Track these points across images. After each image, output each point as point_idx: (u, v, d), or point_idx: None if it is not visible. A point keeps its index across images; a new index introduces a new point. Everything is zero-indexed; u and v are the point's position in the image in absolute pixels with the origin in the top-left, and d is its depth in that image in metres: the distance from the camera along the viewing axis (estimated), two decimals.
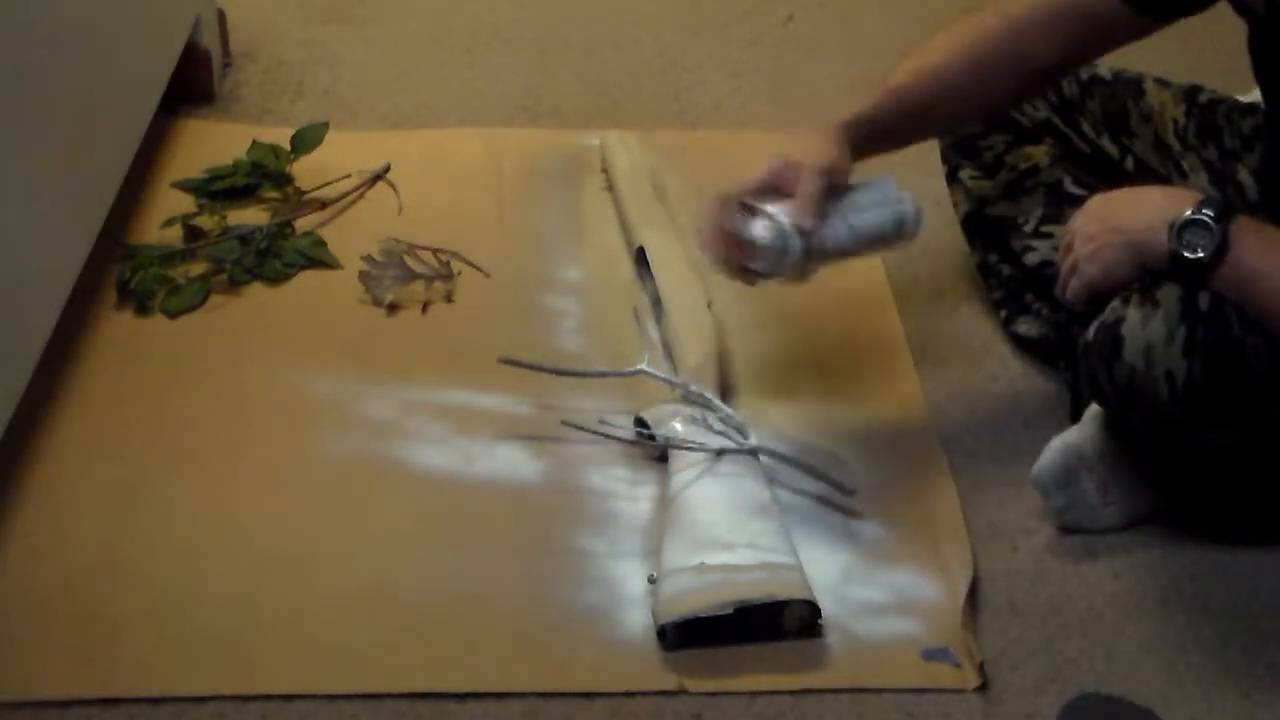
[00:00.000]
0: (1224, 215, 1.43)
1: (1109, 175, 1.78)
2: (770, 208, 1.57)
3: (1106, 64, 1.82)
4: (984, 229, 1.87)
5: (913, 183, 2.13)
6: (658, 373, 1.75)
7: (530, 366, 1.76)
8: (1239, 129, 1.72)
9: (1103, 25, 1.62)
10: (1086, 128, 1.81)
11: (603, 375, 1.77)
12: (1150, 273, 1.48)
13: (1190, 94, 1.78)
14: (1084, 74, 1.81)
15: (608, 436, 1.69)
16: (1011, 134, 1.84)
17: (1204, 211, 1.43)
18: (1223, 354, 1.44)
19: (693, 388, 1.71)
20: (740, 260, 1.60)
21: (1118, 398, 1.51)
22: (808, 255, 1.58)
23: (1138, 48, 1.67)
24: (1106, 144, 1.80)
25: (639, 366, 1.75)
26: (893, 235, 1.64)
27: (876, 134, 1.63)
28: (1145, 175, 1.76)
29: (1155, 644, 1.52)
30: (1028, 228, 1.82)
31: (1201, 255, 1.43)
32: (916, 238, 1.69)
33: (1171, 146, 1.76)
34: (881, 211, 1.62)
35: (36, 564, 1.53)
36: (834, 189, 1.60)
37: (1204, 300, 1.45)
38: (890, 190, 1.63)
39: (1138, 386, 1.48)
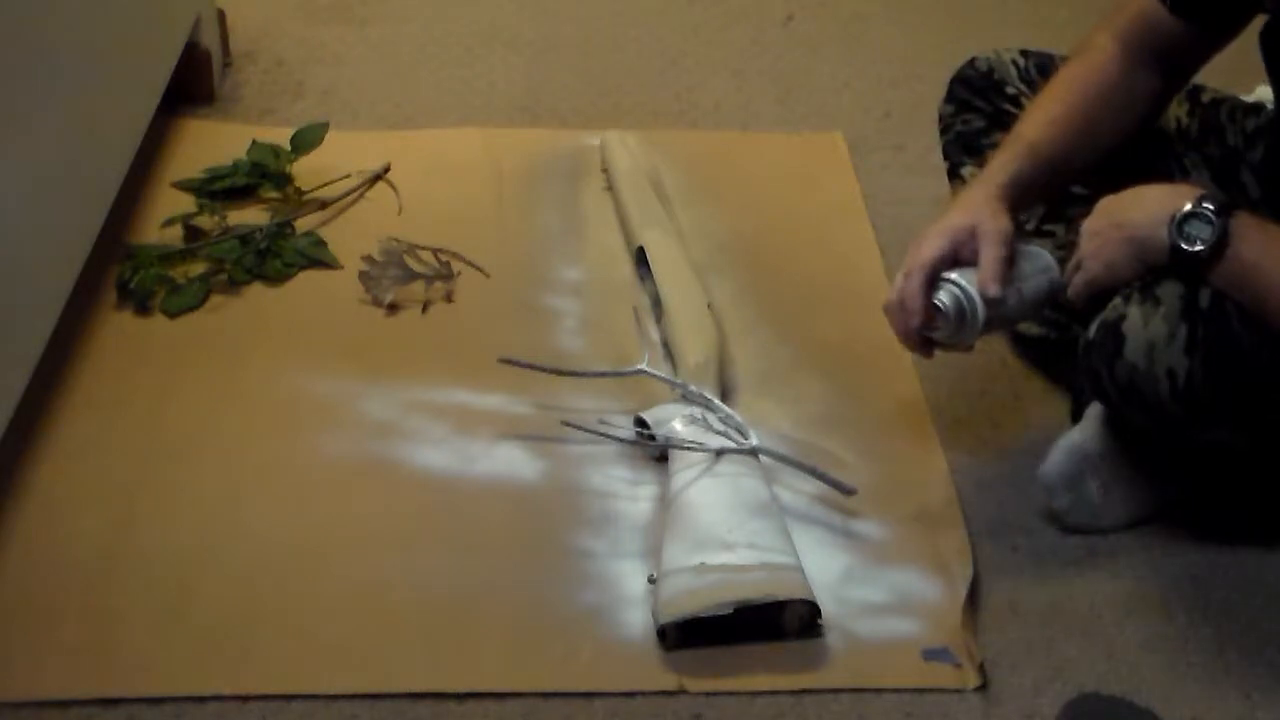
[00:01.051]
0: (1224, 210, 1.43)
1: (1110, 174, 1.78)
2: (954, 275, 1.55)
3: None
4: None
5: (914, 182, 2.15)
6: (658, 373, 1.75)
7: (530, 366, 1.76)
8: (1242, 128, 1.72)
9: (1177, 44, 1.63)
10: None
11: (602, 375, 1.77)
12: (1152, 269, 1.48)
13: (1193, 93, 1.77)
14: None
15: (608, 436, 1.69)
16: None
17: (1204, 206, 1.44)
18: (1223, 352, 1.44)
19: (692, 388, 1.71)
20: (923, 329, 1.57)
21: (1119, 396, 1.51)
22: (988, 323, 1.56)
23: None
24: None
25: (639, 366, 1.75)
26: (1047, 300, 1.63)
27: (1027, 192, 1.62)
28: (1147, 174, 1.76)
29: (1155, 644, 1.52)
30: (1029, 226, 1.82)
31: (1201, 249, 1.43)
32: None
33: (1174, 144, 1.76)
34: (1042, 279, 1.61)
35: (36, 564, 1.53)
36: None
37: (1205, 298, 1.45)
38: (1043, 257, 1.62)
39: (1139, 384, 1.48)
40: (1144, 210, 1.49)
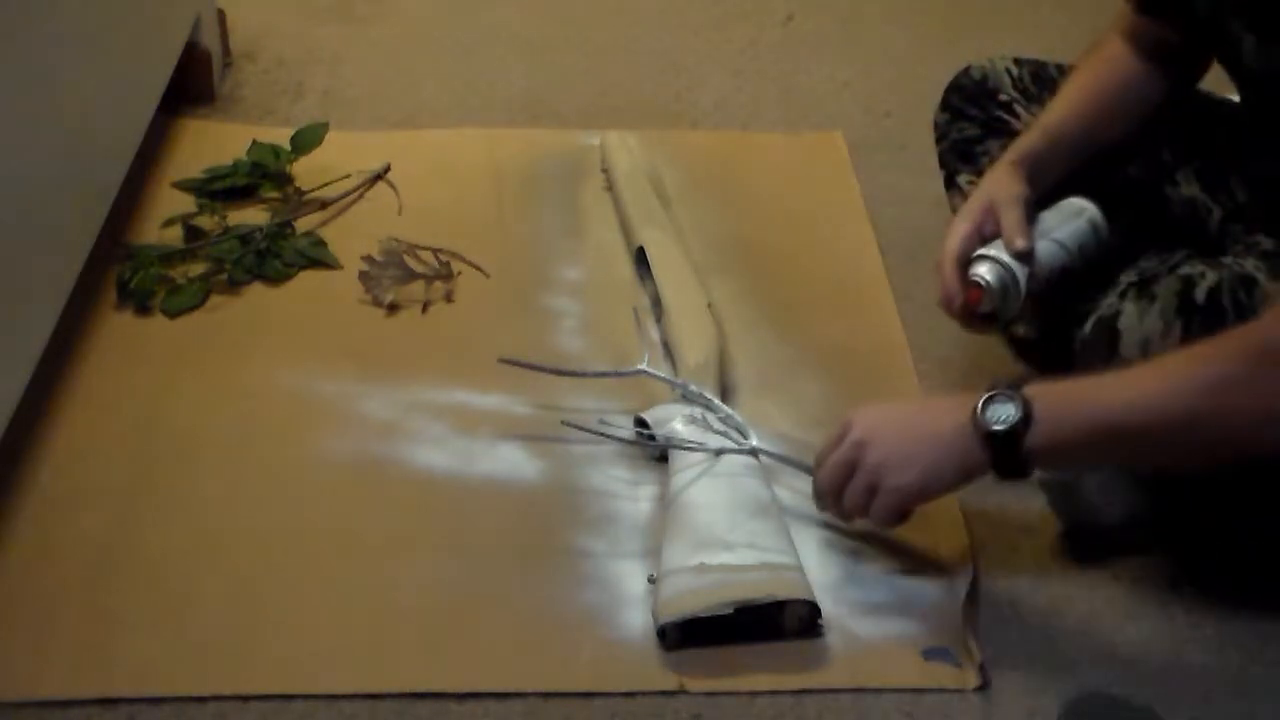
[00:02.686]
0: (1015, 385, 1.42)
1: (1104, 181, 1.79)
2: (985, 250, 1.61)
3: None
4: None
5: (914, 182, 2.15)
6: (658, 372, 1.75)
7: (530, 366, 1.76)
8: (1230, 133, 1.72)
9: (1167, 44, 1.66)
10: None
11: (602, 376, 1.77)
12: (968, 474, 1.46)
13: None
14: None
15: (608, 436, 1.69)
16: (1007, 138, 1.84)
17: (998, 391, 1.42)
18: None
19: (693, 387, 1.71)
20: (976, 308, 1.61)
21: None
22: (1032, 280, 1.61)
23: None
24: None
25: (639, 366, 1.75)
26: (1093, 239, 1.66)
27: (1042, 166, 1.66)
28: (1141, 182, 1.77)
29: (1155, 644, 1.52)
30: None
31: (1012, 422, 1.40)
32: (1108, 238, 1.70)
33: (1163, 153, 1.76)
34: (1076, 222, 1.65)
35: (36, 564, 1.53)
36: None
37: (1200, 294, 1.45)
38: (1077, 203, 1.67)
39: None
40: (936, 420, 1.47)
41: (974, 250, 1.62)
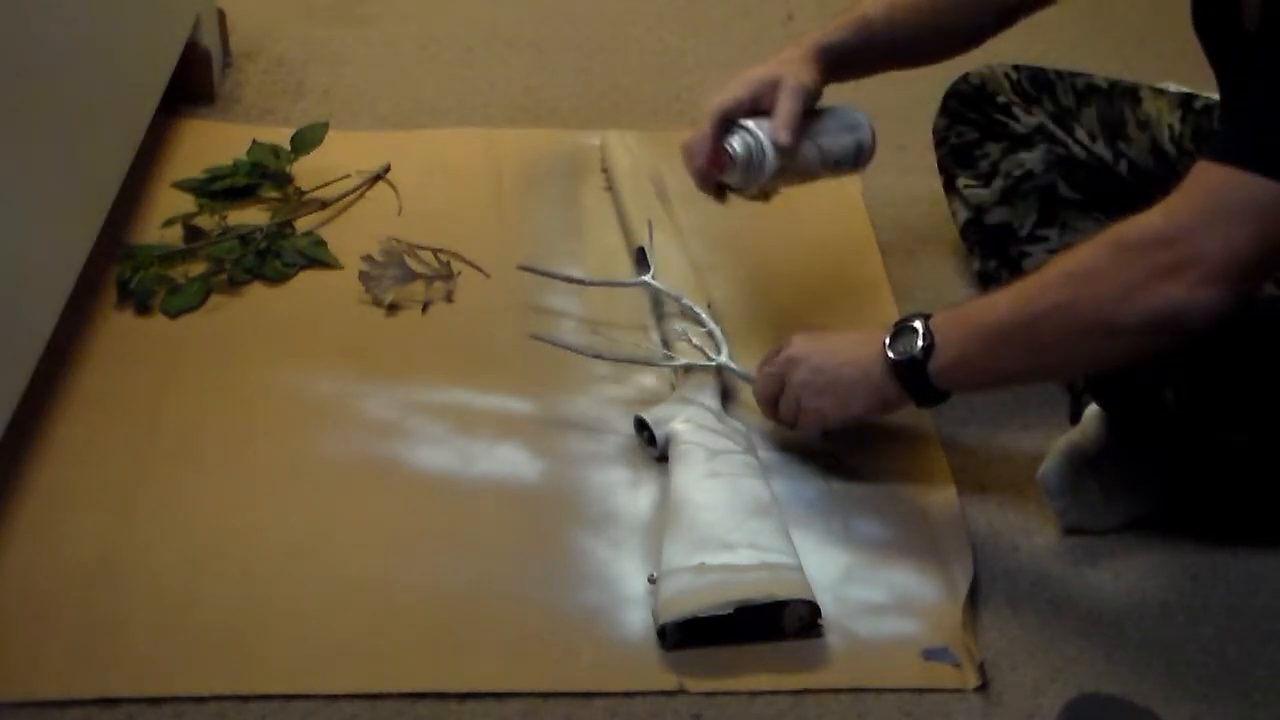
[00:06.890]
0: (923, 316, 1.50)
1: (1103, 179, 1.79)
2: (749, 123, 1.61)
3: (1102, 74, 1.87)
4: (983, 237, 1.87)
5: (914, 182, 2.15)
6: (660, 284, 1.81)
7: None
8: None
9: None
10: (1081, 134, 1.82)
11: (606, 285, 1.88)
12: (886, 402, 1.55)
13: (1185, 101, 1.79)
14: (1080, 83, 1.84)
15: (575, 350, 1.77)
16: (1006, 141, 1.85)
17: (905, 323, 1.51)
18: (1225, 352, 1.45)
19: (686, 301, 1.80)
20: (715, 174, 1.63)
21: (1124, 401, 1.51)
22: (780, 173, 1.62)
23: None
24: (1101, 149, 1.81)
25: (643, 278, 1.83)
26: (852, 161, 1.68)
27: (849, 61, 1.67)
28: (1140, 180, 1.77)
29: (1155, 644, 1.52)
30: (1022, 233, 1.82)
31: (914, 351, 1.49)
32: (869, 166, 1.74)
33: (1168, 152, 1.77)
34: (846, 137, 1.67)
35: (36, 564, 1.53)
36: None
37: None
38: (853, 116, 1.68)
39: (1143, 389, 1.48)
40: (852, 349, 1.57)
41: (740, 116, 1.61)
